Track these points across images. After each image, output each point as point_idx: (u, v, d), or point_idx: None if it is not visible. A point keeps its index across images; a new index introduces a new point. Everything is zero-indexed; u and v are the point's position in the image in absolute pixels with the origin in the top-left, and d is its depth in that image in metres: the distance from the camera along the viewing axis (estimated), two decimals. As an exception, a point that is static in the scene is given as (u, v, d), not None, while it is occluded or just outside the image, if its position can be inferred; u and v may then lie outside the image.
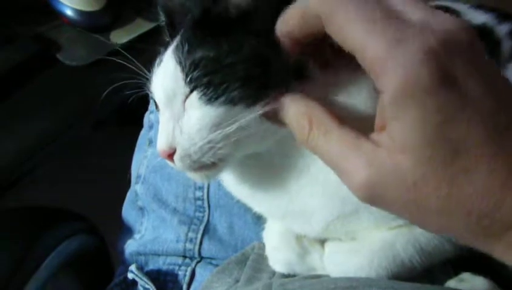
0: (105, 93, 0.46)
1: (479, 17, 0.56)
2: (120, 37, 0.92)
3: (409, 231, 0.41)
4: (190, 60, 0.35)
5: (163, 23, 0.43)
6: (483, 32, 0.54)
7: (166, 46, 0.39)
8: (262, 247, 0.51)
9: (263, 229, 0.52)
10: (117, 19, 0.95)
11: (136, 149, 0.70)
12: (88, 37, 0.90)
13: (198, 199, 0.60)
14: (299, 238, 0.47)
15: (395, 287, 0.39)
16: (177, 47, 0.36)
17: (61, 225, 0.64)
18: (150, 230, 0.62)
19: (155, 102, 0.39)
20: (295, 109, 0.32)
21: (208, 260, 0.59)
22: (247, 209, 0.52)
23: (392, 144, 0.27)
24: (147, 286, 0.56)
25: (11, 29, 0.89)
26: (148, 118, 0.70)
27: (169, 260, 0.60)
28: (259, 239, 0.53)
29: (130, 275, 0.57)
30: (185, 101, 0.36)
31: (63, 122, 0.88)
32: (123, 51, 0.43)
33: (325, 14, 0.28)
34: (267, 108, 0.33)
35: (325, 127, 0.30)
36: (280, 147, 0.39)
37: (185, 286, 0.57)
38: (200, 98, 0.35)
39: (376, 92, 0.27)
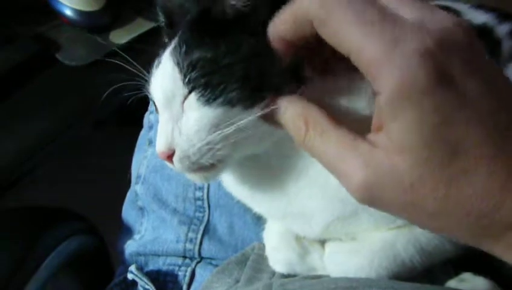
0: (105, 94, 0.46)
1: (479, 17, 0.56)
2: (120, 37, 0.92)
3: (409, 230, 0.41)
4: (188, 61, 0.35)
5: (163, 24, 0.43)
6: (483, 32, 0.54)
7: (165, 47, 0.39)
8: (262, 247, 0.51)
9: (263, 229, 0.52)
10: (117, 19, 0.95)
11: (136, 149, 0.70)
12: (88, 37, 0.90)
13: (198, 199, 0.60)
14: (299, 238, 0.47)
15: (395, 287, 0.39)
16: (175, 48, 0.36)
17: (61, 225, 0.64)
18: (150, 230, 0.62)
19: (154, 103, 0.39)
20: (292, 110, 0.32)
21: (208, 260, 0.59)
22: (247, 210, 0.52)
23: (389, 144, 0.27)
24: (146, 287, 0.56)
25: (11, 29, 0.89)
26: (148, 118, 0.70)
27: (169, 260, 0.60)
28: (259, 239, 0.53)
29: (129, 276, 0.57)
30: (183, 102, 0.36)
31: (63, 122, 0.88)
32: (121, 52, 0.43)
33: (319, 17, 0.28)
34: (264, 110, 0.33)
35: (322, 128, 0.30)
36: (279, 149, 0.39)
37: (185, 287, 0.57)
38: (198, 99, 0.35)
39: (373, 93, 0.27)
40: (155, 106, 0.39)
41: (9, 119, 0.83)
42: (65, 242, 0.61)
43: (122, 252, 0.64)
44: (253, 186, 0.44)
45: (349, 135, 0.29)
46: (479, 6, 0.58)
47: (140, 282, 0.57)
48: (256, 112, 0.34)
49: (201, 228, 0.59)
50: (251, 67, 0.33)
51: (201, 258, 0.59)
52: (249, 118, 0.34)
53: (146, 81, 0.40)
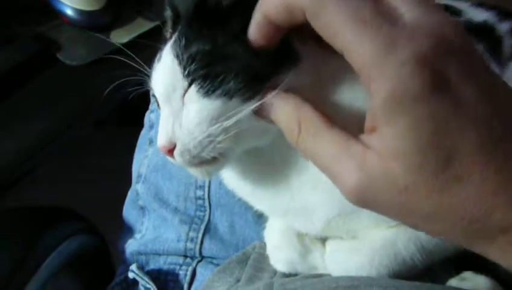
0: (106, 92, 0.46)
1: (480, 15, 0.56)
2: (120, 36, 0.92)
3: (410, 229, 0.41)
4: (187, 53, 0.35)
5: (168, 19, 0.43)
6: (484, 30, 0.54)
7: (166, 42, 0.39)
8: (263, 246, 0.51)
9: (264, 228, 0.52)
10: (117, 19, 0.95)
11: (137, 149, 0.70)
12: (88, 37, 0.90)
13: (199, 198, 0.60)
14: (300, 237, 0.47)
15: (396, 286, 0.39)
16: (175, 41, 0.37)
17: (61, 225, 0.64)
18: (151, 229, 0.62)
19: (156, 98, 0.39)
20: (283, 109, 0.32)
21: (209, 260, 0.59)
22: (248, 208, 0.52)
23: (383, 148, 0.26)
24: (147, 286, 0.56)
25: (11, 29, 0.89)
26: (148, 117, 0.70)
27: (170, 259, 0.60)
28: (260, 238, 0.53)
29: (130, 275, 0.57)
30: (183, 95, 0.36)
31: (63, 122, 0.88)
32: (124, 48, 0.43)
33: (313, 9, 0.27)
34: (258, 103, 0.33)
35: (315, 128, 0.29)
36: (280, 143, 0.39)
37: (185, 286, 0.57)
38: (197, 91, 0.35)
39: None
40: (156, 101, 0.39)
41: (10, 119, 0.83)
42: (65, 242, 0.61)
43: (123, 251, 0.64)
44: (254, 182, 0.44)
45: (343, 136, 0.28)
46: (480, 4, 0.58)
47: (141, 281, 0.57)
48: (252, 105, 0.33)
49: (202, 227, 0.59)
50: (247, 58, 0.33)
51: (202, 258, 0.59)
52: (246, 110, 0.34)
53: (147, 76, 0.40)
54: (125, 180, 0.69)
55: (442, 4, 0.57)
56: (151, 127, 0.68)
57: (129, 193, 0.68)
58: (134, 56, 0.41)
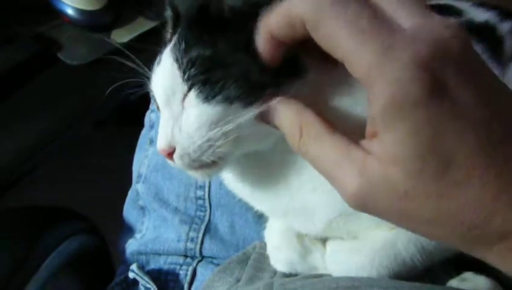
0: (107, 92, 0.46)
1: (481, 15, 0.56)
2: (121, 36, 0.92)
3: (410, 230, 0.41)
4: (187, 58, 0.35)
5: (169, 19, 0.43)
6: (485, 30, 0.54)
7: (166, 44, 0.39)
8: (263, 246, 0.51)
9: (264, 228, 0.52)
10: (118, 18, 0.95)
11: (137, 149, 0.70)
12: (89, 36, 0.90)
13: (200, 198, 0.60)
14: (300, 237, 0.47)
15: (396, 286, 0.39)
16: (174, 45, 0.37)
17: (61, 225, 0.64)
18: (151, 229, 0.62)
19: (155, 101, 0.39)
20: (286, 114, 0.32)
21: (209, 260, 0.59)
22: (248, 208, 0.52)
23: (383, 154, 0.27)
24: (148, 286, 0.56)
25: (12, 28, 0.89)
26: (149, 117, 0.70)
27: (170, 259, 0.60)
28: (261, 238, 0.53)
29: (131, 275, 0.57)
30: (183, 99, 0.36)
31: (63, 122, 0.88)
32: (125, 50, 0.43)
33: (312, 21, 0.27)
34: (261, 108, 0.33)
35: (316, 133, 0.30)
36: (280, 144, 0.39)
37: (186, 286, 0.57)
38: (197, 96, 0.35)
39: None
40: (156, 103, 0.39)
41: (10, 119, 0.83)
42: (66, 242, 0.61)
43: (123, 251, 0.64)
44: (255, 183, 0.44)
45: (344, 141, 0.29)
46: (481, 4, 0.58)
47: (141, 281, 0.57)
48: (254, 110, 0.34)
49: (203, 227, 0.59)
50: (249, 66, 0.33)
51: (203, 257, 0.59)
52: (247, 115, 0.34)
53: (148, 78, 0.40)
54: (125, 180, 0.69)
55: (444, 4, 0.57)
56: (152, 126, 0.68)
57: (129, 193, 0.68)
58: (134, 57, 0.41)
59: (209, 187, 0.60)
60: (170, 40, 0.39)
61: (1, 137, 0.82)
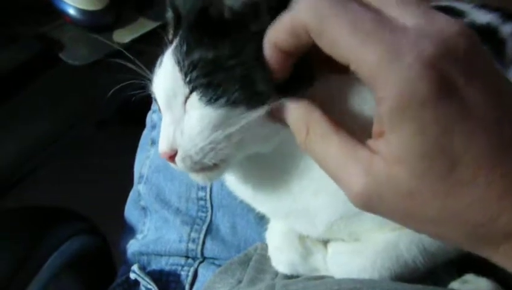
0: (110, 93, 0.46)
1: (483, 17, 0.56)
2: (123, 36, 0.92)
3: (412, 231, 0.41)
4: (188, 60, 0.35)
5: (170, 20, 0.43)
6: (487, 32, 0.54)
7: (167, 46, 0.39)
8: (265, 248, 0.51)
9: (266, 229, 0.52)
10: (120, 18, 0.95)
11: (139, 149, 0.70)
12: (91, 37, 0.90)
13: (201, 199, 0.60)
14: (302, 238, 0.47)
15: (398, 288, 0.39)
16: (176, 47, 0.36)
17: (63, 225, 0.64)
18: (153, 230, 0.62)
19: (157, 103, 0.39)
20: (294, 112, 0.32)
21: (211, 261, 0.59)
22: (250, 210, 0.51)
23: (389, 153, 0.27)
24: (149, 286, 0.56)
25: (14, 28, 0.90)
26: (150, 117, 0.70)
27: (171, 260, 0.60)
28: (262, 239, 0.53)
29: (132, 275, 0.57)
30: (185, 102, 0.36)
31: (65, 122, 0.88)
32: (125, 52, 0.43)
33: (316, 28, 0.27)
34: (269, 108, 0.33)
35: (322, 132, 0.30)
36: (282, 147, 0.39)
37: (187, 286, 0.57)
38: (200, 98, 0.35)
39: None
40: (158, 105, 0.39)
41: (12, 119, 0.83)
42: (67, 242, 0.61)
43: (124, 252, 0.64)
44: (256, 185, 0.44)
45: (350, 141, 0.29)
46: (483, 6, 0.58)
47: (142, 282, 0.57)
48: (259, 112, 0.33)
49: (204, 228, 0.59)
50: (254, 70, 0.33)
51: (204, 258, 0.59)
52: (251, 117, 0.34)
53: (149, 80, 0.40)
54: (127, 181, 0.69)
55: (446, 6, 0.57)
56: (153, 127, 0.68)
57: (131, 194, 0.68)
58: (135, 59, 0.41)
59: (211, 188, 0.59)
60: (171, 42, 0.39)
61: (3, 137, 0.82)
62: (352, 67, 0.27)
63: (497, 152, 0.25)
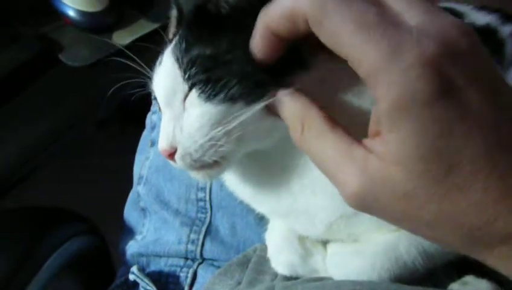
0: (109, 92, 0.46)
1: (482, 18, 0.56)
2: (123, 37, 0.92)
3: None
4: (187, 57, 0.35)
5: (173, 17, 0.43)
6: (487, 33, 0.54)
7: (168, 44, 0.39)
8: (264, 249, 0.51)
9: (265, 230, 0.52)
10: (120, 20, 0.95)
11: (138, 150, 0.70)
12: (90, 38, 0.91)
13: (201, 200, 0.60)
14: (301, 239, 0.47)
15: (398, 290, 0.39)
16: (175, 45, 0.36)
17: (63, 226, 0.64)
18: (152, 231, 0.62)
19: (157, 101, 0.39)
20: (290, 108, 0.31)
21: (210, 262, 0.59)
22: (249, 211, 0.51)
23: (385, 153, 0.26)
24: (148, 288, 0.56)
25: (14, 29, 0.90)
26: (150, 118, 0.70)
27: (171, 261, 0.60)
28: (262, 241, 0.53)
29: (131, 277, 0.57)
30: (184, 99, 0.36)
31: (65, 123, 0.88)
32: (126, 50, 0.43)
33: (315, 17, 0.26)
34: (266, 102, 0.33)
35: (317, 130, 0.29)
36: (282, 146, 0.39)
37: (186, 288, 0.57)
38: (199, 95, 0.35)
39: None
40: (158, 104, 0.39)
41: (12, 120, 0.83)
42: (67, 243, 0.61)
43: (123, 253, 0.64)
44: (256, 184, 0.44)
45: (346, 139, 0.28)
46: (482, 7, 0.58)
47: (141, 283, 0.57)
48: (257, 107, 0.33)
49: (203, 229, 0.59)
50: (250, 63, 0.33)
51: (203, 260, 0.59)
52: (250, 112, 0.34)
53: (149, 79, 0.40)
54: (127, 181, 0.69)
55: (445, 7, 0.57)
56: (153, 128, 0.68)
57: (130, 194, 0.68)
58: (136, 58, 0.41)
59: (210, 189, 0.59)
60: (171, 40, 0.39)
61: (3, 138, 0.82)
62: (351, 62, 0.26)
63: (494, 154, 0.25)
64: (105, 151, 1.21)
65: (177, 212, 0.60)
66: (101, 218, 0.72)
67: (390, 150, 0.26)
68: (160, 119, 0.44)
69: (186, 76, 0.35)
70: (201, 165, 0.37)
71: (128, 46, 0.89)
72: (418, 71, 0.24)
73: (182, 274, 0.58)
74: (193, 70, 0.34)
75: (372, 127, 0.28)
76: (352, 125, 0.29)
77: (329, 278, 0.44)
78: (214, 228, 0.59)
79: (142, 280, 0.56)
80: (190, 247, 0.59)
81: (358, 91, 0.34)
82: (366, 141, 0.28)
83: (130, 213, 0.67)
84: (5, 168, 0.81)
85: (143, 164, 0.66)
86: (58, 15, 0.91)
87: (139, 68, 0.40)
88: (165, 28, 0.45)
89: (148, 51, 0.42)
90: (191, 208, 0.60)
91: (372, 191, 0.27)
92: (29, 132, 0.84)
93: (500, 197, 0.25)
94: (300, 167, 0.40)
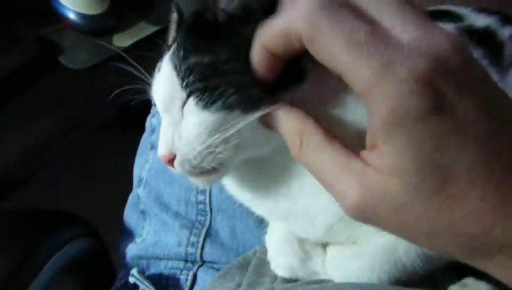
0: (110, 97, 0.46)
1: (481, 20, 0.56)
2: (123, 40, 0.92)
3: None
4: (185, 65, 0.35)
5: (173, 21, 0.43)
6: (485, 36, 0.54)
7: (167, 50, 0.39)
8: (264, 251, 0.51)
9: (265, 233, 0.52)
10: (120, 22, 0.95)
11: (138, 153, 0.70)
12: (90, 41, 0.91)
13: (200, 202, 0.60)
14: (301, 242, 0.47)
15: (397, 292, 0.39)
16: (173, 52, 0.37)
17: (63, 228, 0.64)
18: (152, 234, 0.62)
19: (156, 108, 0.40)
20: (287, 122, 0.32)
21: (210, 264, 0.59)
22: (249, 213, 0.51)
23: (382, 166, 0.27)
24: (148, 290, 0.56)
25: (14, 32, 0.90)
26: (150, 121, 0.70)
27: (170, 264, 0.60)
28: (261, 243, 0.53)
29: (131, 279, 0.57)
30: (182, 106, 0.36)
31: (65, 125, 0.88)
32: (124, 55, 0.43)
33: (308, 35, 0.27)
34: (263, 113, 0.33)
35: (316, 144, 0.30)
36: (280, 149, 0.39)
37: (186, 290, 0.57)
38: (196, 103, 0.35)
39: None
40: (157, 110, 0.40)
41: (13, 122, 0.83)
42: (67, 245, 0.62)
43: (123, 255, 0.64)
44: (255, 187, 0.44)
45: (344, 152, 0.29)
46: (481, 9, 0.58)
47: (141, 286, 0.57)
48: (255, 116, 0.33)
49: (203, 231, 0.59)
50: (248, 72, 0.33)
51: (203, 262, 0.59)
52: (248, 120, 0.34)
53: (148, 84, 0.40)
54: (127, 183, 0.69)
55: (444, 10, 0.57)
56: (153, 131, 0.68)
57: (130, 197, 0.68)
58: (136, 64, 0.41)
59: (210, 192, 0.59)
60: (170, 46, 0.39)
61: (3, 140, 0.82)
62: (345, 79, 0.27)
63: (490, 162, 0.25)
64: (105, 153, 1.21)
65: (177, 215, 0.60)
66: (101, 220, 0.72)
67: (387, 163, 0.26)
68: (159, 123, 0.44)
69: (184, 84, 0.35)
70: (200, 171, 0.37)
71: (129, 49, 0.89)
72: (410, 86, 0.24)
73: (181, 277, 0.58)
74: (191, 78, 0.35)
75: (369, 140, 0.28)
76: (348, 139, 0.30)
77: (329, 281, 0.44)
78: (213, 231, 0.59)
79: (142, 283, 0.56)
80: (190, 249, 0.59)
81: (353, 105, 0.34)
82: (364, 154, 0.28)
83: (129, 216, 0.67)
84: (6, 170, 0.81)
85: (143, 166, 0.66)
86: (58, 17, 0.92)
87: (138, 74, 0.40)
88: (165, 31, 0.45)
89: (149, 53, 0.42)
90: (190, 211, 0.60)
91: (371, 203, 0.27)
92: (29, 134, 0.84)
93: (498, 204, 0.25)
94: (299, 170, 0.40)
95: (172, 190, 0.61)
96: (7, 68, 0.84)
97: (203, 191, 0.60)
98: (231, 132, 0.34)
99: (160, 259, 0.60)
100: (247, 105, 0.34)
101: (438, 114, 0.25)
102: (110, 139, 1.20)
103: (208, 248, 0.59)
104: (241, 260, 0.53)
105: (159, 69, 0.38)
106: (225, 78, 0.34)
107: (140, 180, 0.65)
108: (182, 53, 0.36)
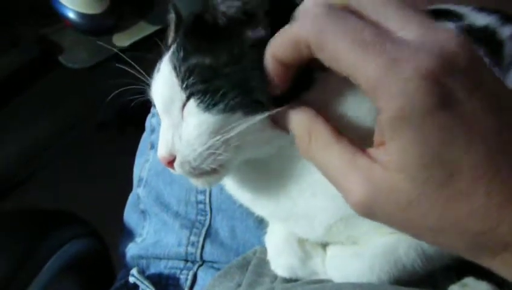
0: (110, 97, 0.46)
1: (481, 19, 0.56)
2: (122, 40, 0.92)
3: (411, 235, 0.41)
4: (185, 66, 0.35)
5: (171, 22, 0.43)
6: (485, 35, 0.54)
7: (167, 50, 0.39)
8: (264, 251, 0.51)
9: (265, 233, 0.52)
10: (120, 22, 0.95)
11: (138, 152, 0.70)
12: (90, 40, 0.91)
13: (200, 202, 0.60)
14: (301, 242, 0.47)
15: (397, 292, 0.39)
16: (173, 53, 0.37)
17: (63, 228, 0.64)
18: (152, 234, 0.62)
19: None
20: (296, 120, 0.32)
21: (210, 264, 0.59)
22: (249, 213, 0.51)
23: (389, 162, 0.27)
24: (148, 290, 0.56)
25: (14, 32, 0.90)
26: (150, 121, 0.70)
27: (170, 263, 0.60)
28: (261, 243, 0.53)
29: (131, 279, 0.57)
30: (182, 108, 0.36)
31: (65, 125, 0.88)
32: (124, 56, 0.43)
33: (316, 42, 0.28)
34: (270, 114, 0.33)
35: (324, 141, 0.30)
36: (281, 151, 0.39)
37: (186, 290, 0.57)
38: (197, 105, 0.35)
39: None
40: (157, 111, 0.39)
41: (12, 122, 0.84)
42: (67, 245, 0.62)
43: (123, 255, 0.64)
44: (255, 188, 0.44)
45: (351, 149, 0.29)
46: (482, 8, 0.58)
47: (141, 285, 0.57)
48: (257, 118, 0.34)
49: (203, 231, 0.59)
50: (252, 76, 0.33)
51: (203, 262, 0.59)
52: (249, 122, 0.34)
53: (148, 85, 0.40)
54: (127, 183, 0.69)
55: (445, 9, 0.57)
56: (152, 131, 0.68)
57: (130, 197, 0.68)
58: (134, 63, 0.41)
59: (210, 192, 0.59)
60: (169, 48, 0.39)
61: (3, 140, 0.82)
62: (353, 79, 0.27)
63: (497, 159, 0.25)
64: (105, 153, 1.21)
65: (177, 215, 0.60)
66: (100, 220, 0.72)
67: (394, 159, 0.27)
68: (159, 123, 0.44)
69: (184, 85, 0.35)
70: (200, 172, 0.37)
71: (128, 49, 0.89)
72: (416, 83, 0.25)
73: (182, 276, 0.58)
74: (191, 79, 0.35)
75: (376, 137, 0.28)
76: (356, 137, 0.30)
77: (329, 281, 0.44)
78: (213, 231, 0.59)
79: (142, 283, 0.56)
80: (190, 249, 0.59)
81: (360, 106, 0.34)
82: (371, 151, 0.29)
83: (129, 215, 0.67)
84: (6, 169, 0.81)
85: (143, 166, 0.66)
86: (58, 17, 0.92)
87: (138, 75, 0.40)
88: (165, 30, 0.45)
89: (149, 53, 0.42)
90: (190, 211, 0.60)
91: (377, 199, 0.27)
92: (29, 134, 0.84)
93: (504, 201, 0.25)
94: (298, 170, 0.40)
95: (172, 190, 0.61)
96: (7, 68, 0.84)
97: (203, 191, 0.60)
98: (232, 133, 0.34)
99: (160, 259, 0.60)
100: (250, 108, 0.34)
101: (445, 110, 0.25)
102: (109, 138, 1.20)
103: (208, 248, 0.59)
104: (241, 260, 0.53)
105: (158, 70, 0.38)
106: (227, 81, 0.34)
107: (140, 180, 0.65)
108: (181, 54, 0.35)
